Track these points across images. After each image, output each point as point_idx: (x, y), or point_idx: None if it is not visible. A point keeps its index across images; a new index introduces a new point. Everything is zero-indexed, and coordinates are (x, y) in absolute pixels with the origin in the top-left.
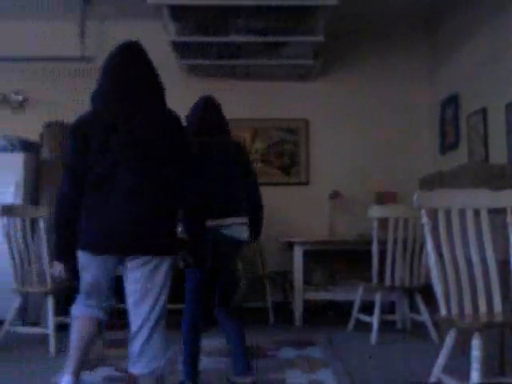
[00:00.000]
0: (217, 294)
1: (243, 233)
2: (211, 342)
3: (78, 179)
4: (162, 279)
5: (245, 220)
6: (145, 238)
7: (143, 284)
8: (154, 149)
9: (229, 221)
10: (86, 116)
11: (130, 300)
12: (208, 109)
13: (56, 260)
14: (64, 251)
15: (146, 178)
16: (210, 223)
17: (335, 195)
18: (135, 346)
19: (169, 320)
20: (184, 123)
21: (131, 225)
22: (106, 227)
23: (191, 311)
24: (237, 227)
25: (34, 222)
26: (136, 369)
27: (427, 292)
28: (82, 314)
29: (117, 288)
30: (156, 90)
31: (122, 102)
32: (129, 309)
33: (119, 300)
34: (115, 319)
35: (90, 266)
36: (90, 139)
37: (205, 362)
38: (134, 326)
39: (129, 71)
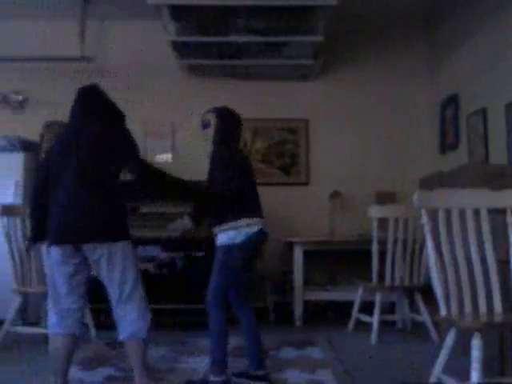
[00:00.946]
0: (241, 290)
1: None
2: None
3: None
4: (121, 262)
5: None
6: (91, 228)
7: (106, 270)
8: (97, 165)
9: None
10: (57, 137)
11: (105, 284)
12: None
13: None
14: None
15: (89, 184)
16: (259, 221)
17: (335, 195)
18: (115, 319)
19: (168, 320)
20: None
21: (79, 219)
22: (60, 223)
23: (224, 297)
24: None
25: None
26: (121, 335)
27: (427, 292)
28: (56, 331)
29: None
30: (110, 121)
31: (80, 129)
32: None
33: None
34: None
35: (55, 264)
36: (52, 155)
37: (206, 361)
38: (112, 304)
39: (89, 108)
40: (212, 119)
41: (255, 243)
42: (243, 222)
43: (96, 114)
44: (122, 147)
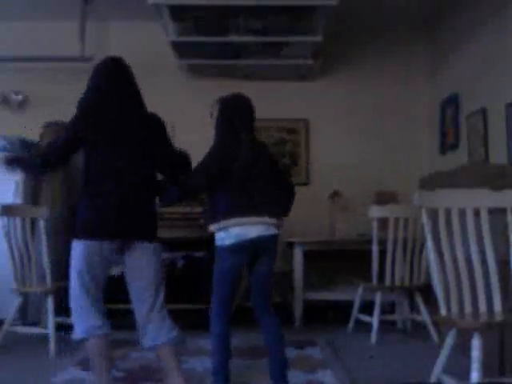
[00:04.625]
0: (262, 296)
1: None
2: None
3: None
4: (156, 264)
5: None
6: (141, 225)
7: (145, 270)
8: (138, 145)
9: None
10: (90, 106)
11: (135, 287)
12: None
13: None
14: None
15: (133, 170)
16: (258, 222)
17: (335, 195)
18: (152, 322)
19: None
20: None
21: (131, 214)
22: (110, 216)
23: (226, 306)
24: None
25: (33, 222)
26: (159, 340)
27: (427, 292)
28: (102, 332)
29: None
30: (137, 96)
31: (124, 112)
32: (133, 296)
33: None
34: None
35: (94, 261)
36: (92, 136)
37: (206, 362)
38: (143, 309)
39: (129, 87)
40: (215, 110)
41: (252, 246)
42: (233, 221)
43: (135, 97)
44: (166, 141)
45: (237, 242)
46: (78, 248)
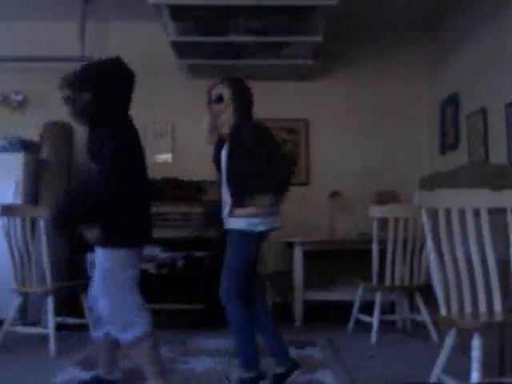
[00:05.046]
0: (252, 285)
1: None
2: (212, 342)
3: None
4: None
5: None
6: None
7: None
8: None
9: None
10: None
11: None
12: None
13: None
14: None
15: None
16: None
17: (335, 195)
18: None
19: (168, 320)
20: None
21: (151, 218)
22: (145, 221)
23: (242, 288)
24: None
25: (33, 222)
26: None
27: (427, 292)
28: (139, 334)
29: None
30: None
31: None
32: None
33: None
34: None
35: (132, 261)
36: (132, 147)
37: (206, 362)
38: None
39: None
40: (226, 92)
41: (268, 235)
42: (273, 209)
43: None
44: None
45: (268, 229)
46: (122, 256)
